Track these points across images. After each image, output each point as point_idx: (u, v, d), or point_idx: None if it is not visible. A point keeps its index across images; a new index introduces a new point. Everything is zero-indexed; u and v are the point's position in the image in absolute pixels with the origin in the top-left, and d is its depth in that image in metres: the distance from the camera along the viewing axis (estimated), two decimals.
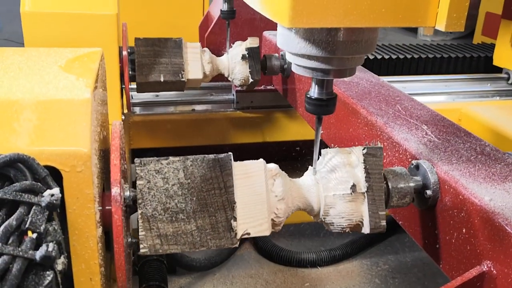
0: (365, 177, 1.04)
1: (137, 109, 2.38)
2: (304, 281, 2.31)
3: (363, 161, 1.04)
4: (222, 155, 0.99)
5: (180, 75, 1.91)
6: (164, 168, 0.94)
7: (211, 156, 0.99)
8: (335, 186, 1.05)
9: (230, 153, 1.01)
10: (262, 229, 1.03)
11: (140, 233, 0.93)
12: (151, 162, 0.93)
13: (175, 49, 1.91)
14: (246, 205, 1.02)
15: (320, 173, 1.08)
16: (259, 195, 1.02)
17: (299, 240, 2.56)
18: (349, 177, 1.05)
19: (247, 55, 1.98)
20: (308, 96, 1.03)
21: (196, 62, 1.97)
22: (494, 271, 0.95)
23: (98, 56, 0.96)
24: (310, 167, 1.11)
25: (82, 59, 0.93)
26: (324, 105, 1.03)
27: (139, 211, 0.92)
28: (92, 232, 0.79)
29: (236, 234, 1.01)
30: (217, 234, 1.00)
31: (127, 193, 0.92)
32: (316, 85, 1.01)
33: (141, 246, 0.94)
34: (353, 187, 1.04)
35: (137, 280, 1.88)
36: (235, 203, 1.00)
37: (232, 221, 1.00)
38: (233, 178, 1.00)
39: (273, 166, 1.07)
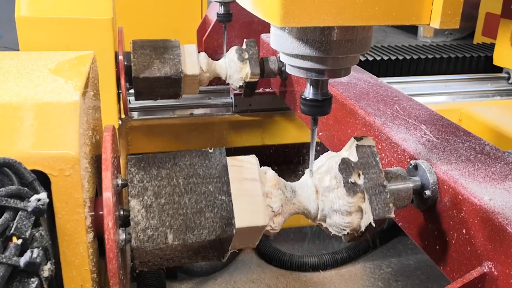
0: (366, 227, 1.00)
1: (135, 114, 2.37)
2: (306, 285, 2.30)
3: (370, 224, 0.98)
4: (226, 235, 0.94)
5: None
6: (166, 249, 0.92)
7: (213, 236, 0.93)
8: (332, 225, 1.03)
9: (234, 228, 0.95)
10: (250, 245, 1.04)
11: (136, 265, 0.95)
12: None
13: (174, 85, 1.89)
14: (241, 236, 1.00)
15: (324, 204, 1.02)
16: (256, 232, 1.00)
17: (300, 244, 2.54)
18: (347, 225, 1.01)
19: (244, 86, 2.00)
20: (303, 97, 1.01)
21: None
22: (495, 272, 0.94)
23: (89, 59, 0.95)
24: (307, 170, 1.10)
25: (73, 62, 0.92)
26: (319, 106, 1.01)
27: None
28: (82, 237, 0.77)
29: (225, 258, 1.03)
30: (207, 259, 1.02)
31: (120, 212, 0.91)
32: (311, 86, 1.00)
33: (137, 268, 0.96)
34: (348, 233, 1.02)
35: (135, 286, 1.86)
36: (228, 250, 1.00)
37: (223, 255, 1.01)
38: (232, 240, 0.97)
39: (275, 204, 1.01)
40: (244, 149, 2.38)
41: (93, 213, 0.86)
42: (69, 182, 0.74)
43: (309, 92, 1.00)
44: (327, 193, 1.03)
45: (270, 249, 2.38)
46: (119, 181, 0.97)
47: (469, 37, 4.60)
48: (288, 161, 2.57)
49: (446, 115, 1.42)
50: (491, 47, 3.15)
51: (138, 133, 2.27)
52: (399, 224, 1.26)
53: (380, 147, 1.33)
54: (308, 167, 1.09)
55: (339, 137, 1.58)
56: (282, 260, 2.36)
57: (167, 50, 1.88)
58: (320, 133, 1.71)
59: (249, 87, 2.03)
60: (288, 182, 1.09)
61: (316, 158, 1.10)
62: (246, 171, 0.99)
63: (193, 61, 1.94)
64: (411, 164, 1.15)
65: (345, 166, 1.00)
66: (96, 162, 0.95)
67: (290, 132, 2.43)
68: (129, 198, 0.88)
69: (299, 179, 1.11)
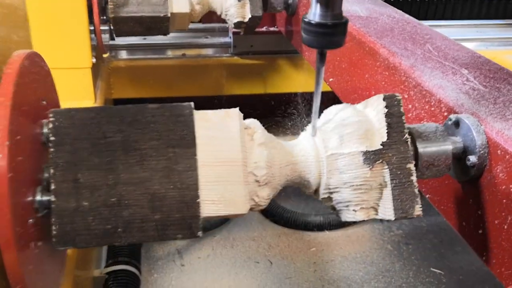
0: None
1: (119, 53, 2.14)
2: (310, 246, 2.14)
3: None
4: None
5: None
6: None
7: None
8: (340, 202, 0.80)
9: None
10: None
11: None
12: None
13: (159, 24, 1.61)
14: None
15: (330, 174, 0.78)
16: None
17: (305, 201, 2.34)
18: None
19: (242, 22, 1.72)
20: (306, 20, 0.72)
21: None
22: None
23: None
24: (309, 125, 0.81)
25: None
26: (329, 34, 0.73)
27: None
28: None
29: None
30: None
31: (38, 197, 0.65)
32: (318, 3, 0.71)
33: None
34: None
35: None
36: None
37: None
38: None
39: (261, 171, 0.75)
40: (243, 97, 2.20)
41: None
42: None
43: (314, 13, 0.72)
44: (334, 159, 0.75)
45: (272, 205, 2.21)
46: (44, 130, 0.71)
47: None
48: (293, 114, 2.34)
49: None
50: None
51: (122, 75, 2.06)
52: (427, 197, 0.99)
53: (406, 96, 1.04)
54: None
55: (355, 84, 1.29)
56: (285, 218, 2.21)
57: None
58: (331, 79, 1.43)
59: (249, 25, 1.75)
60: (281, 141, 0.81)
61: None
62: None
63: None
64: (450, 119, 0.86)
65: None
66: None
67: (297, 79, 2.22)
68: None
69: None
